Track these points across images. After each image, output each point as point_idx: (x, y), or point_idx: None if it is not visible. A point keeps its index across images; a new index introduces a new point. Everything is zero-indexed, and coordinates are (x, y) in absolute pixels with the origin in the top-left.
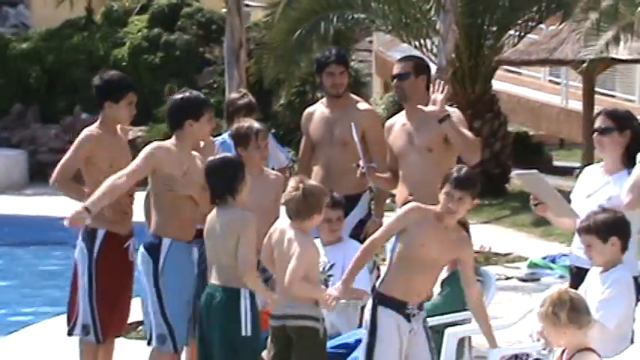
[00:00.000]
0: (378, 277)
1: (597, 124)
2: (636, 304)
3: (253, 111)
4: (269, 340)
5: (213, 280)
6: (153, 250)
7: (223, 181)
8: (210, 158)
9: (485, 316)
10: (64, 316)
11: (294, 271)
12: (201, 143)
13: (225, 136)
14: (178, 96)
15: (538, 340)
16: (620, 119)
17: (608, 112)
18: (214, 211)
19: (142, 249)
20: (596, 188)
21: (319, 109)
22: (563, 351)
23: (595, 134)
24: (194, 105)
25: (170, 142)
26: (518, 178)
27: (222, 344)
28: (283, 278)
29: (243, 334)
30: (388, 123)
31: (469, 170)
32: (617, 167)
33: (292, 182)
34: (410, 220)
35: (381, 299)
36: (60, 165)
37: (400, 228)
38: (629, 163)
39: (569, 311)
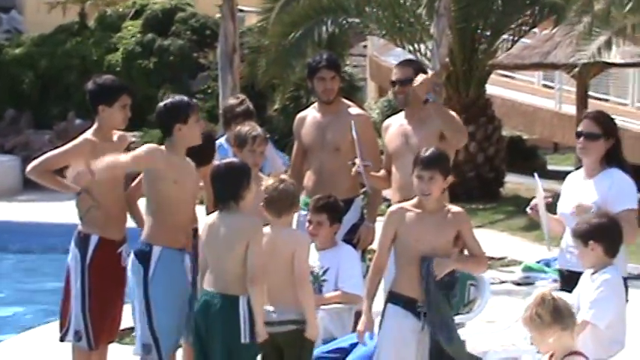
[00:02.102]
0: None
1: (583, 128)
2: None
3: (251, 118)
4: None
5: (209, 286)
6: (143, 257)
7: (228, 186)
8: (216, 163)
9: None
10: (57, 322)
11: (303, 269)
12: None
13: (222, 140)
14: (162, 103)
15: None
16: (606, 125)
17: (596, 116)
18: (215, 216)
19: (132, 256)
20: (578, 193)
21: (311, 114)
22: (551, 356)
23: (580, 138)
24: (179, 108)
25: (164, 149)
26: (536, 178)
27: (222, 352)
28: (273, 284)
29: (243, 341)
30: (385, 123)
31: (434, 149)
32: (596, 171)
33: (270, 180)
34: (395, 223)
35: (391, 297)
36: (43, 158)
37: (391, 236)
38: (606, 166)
39: (552, 311)
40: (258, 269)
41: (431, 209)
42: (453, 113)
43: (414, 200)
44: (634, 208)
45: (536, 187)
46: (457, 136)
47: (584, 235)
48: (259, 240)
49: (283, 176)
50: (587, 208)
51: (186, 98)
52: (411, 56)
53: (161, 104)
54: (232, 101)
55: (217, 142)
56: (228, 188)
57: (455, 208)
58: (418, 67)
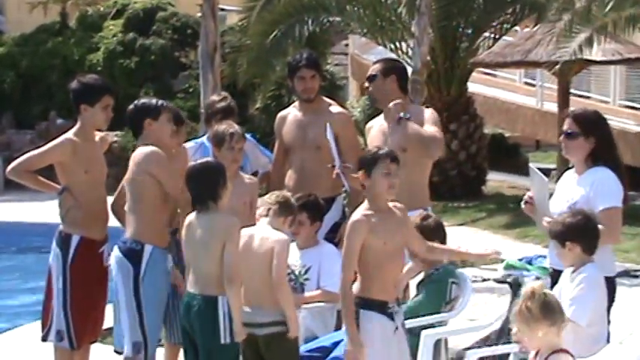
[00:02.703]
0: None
1: (564, 126)
2: (611, 305)
3: (231, 114)
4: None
5: (191, 287)
6: (133, 256)
7: (205, 186)
8: (192, 163)
9: (442, 251)
10: (39, 322)
11: (281, 269)
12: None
13: (204, 139)
14: (133, 103)
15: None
16: (586, 124)
17: (575, 115)
18: (193, 216)
19: (118, 254)
20: (566, 191)
21: (292, 113)
22: (537, 353)
23: (561, 137)
24: (151, 105)
25: (137, 149)
26: (530, 172)
27: (203, 353)
28: (250, 284)
29: (222, 342)
30: (368, 125)
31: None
32: (582, 169)
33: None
34: (364, 232)
35: (362, 303)
36: (24, 158)
37: (360, 246)
38: (593, 164)
39: (541, 305)
40: (235, 269)
41: (386, 208)
42: (430, 117)
43: (367, 205)
44: (616, 207)
45: (533, 179)
46: (428, 152)
47: (560, 236)
48: (235, 239)
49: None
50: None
51: (160, 100)
52: (392, 54)
53: (133, 103)
54: (214, 98)
55: (199, 140)
56: (205, 188)
57: (401, 206)
58: (386, 63)
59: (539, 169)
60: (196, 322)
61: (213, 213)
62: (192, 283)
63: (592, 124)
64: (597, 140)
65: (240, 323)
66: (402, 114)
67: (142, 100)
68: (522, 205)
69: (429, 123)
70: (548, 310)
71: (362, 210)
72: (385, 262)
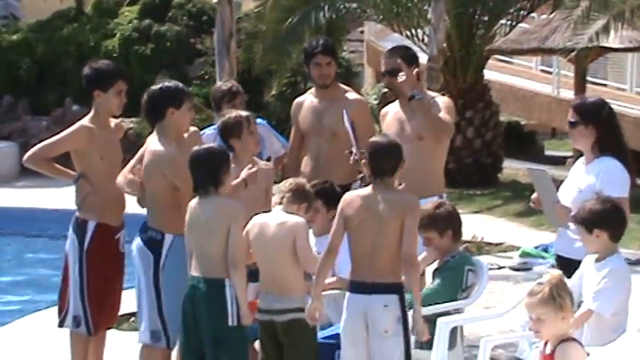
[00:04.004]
0: None
1: (568, 117)
2: None
3: (236, 95)
4: (260, 332)
5: (195, 272)
6: (154, 245)
7: (207, 171)
8: (195, 148)
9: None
10: (55, 308)
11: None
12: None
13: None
14: (156, 87)
15: (530, 330)
16: (584, 113)
17: (575, 105)
18: (195, 201)
19: (139, 243)
20: (575, 180)
21: (308, 99)
22: (545, 343)
23: (567, 127)
24: (174, 93)
25: (154, 140)
26: (529, 172)
27: (210, 336)
28: (269, 272)
29: (230, 324)
30: (383, 111)
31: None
32: (590, 158)
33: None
34: (348, 211)
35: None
36: (40, 147)
37: (343, 222)
38: (600, 153)
39: (568, 293)
40: (240, 252)
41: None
42: (444, 104)
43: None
44: (622, 197)
45: (533, 179)
46: (440, 136)
47: (589, 223)
48: (240, 223)
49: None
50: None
51: (181, 85)
52: (408, 42)
53: (155, 87)
54: (218, 84)
55: (215, 128)
56: (207, 173)
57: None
58: (404, 54)
59: (553, 157)
60: (202, 305)
61: (215, 197)
62: (196, 268)
63: (590, 113)
64: (598, 128)
65: (246, 306)
66: (414, 93)
67: (165, 85)
68: (531, 204)
69: (442, 111)
70: (572, 298)
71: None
72: (372, 242)
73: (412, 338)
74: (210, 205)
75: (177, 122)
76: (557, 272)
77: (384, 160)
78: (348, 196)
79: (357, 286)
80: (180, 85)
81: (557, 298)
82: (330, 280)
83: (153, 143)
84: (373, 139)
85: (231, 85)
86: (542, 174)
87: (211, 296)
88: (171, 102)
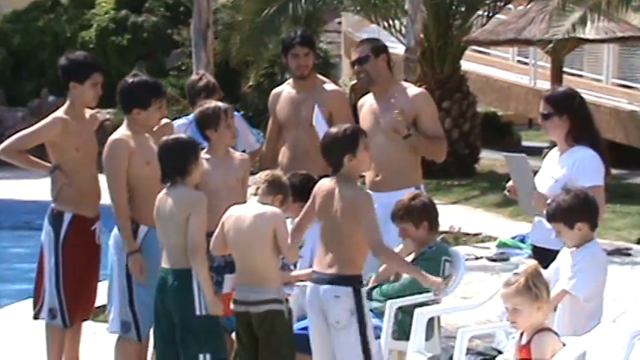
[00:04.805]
0: None
1: (540, 109)
2: None
3: (214, 91)
4: (235, 323)
5: (164, 263)
6: None
7: (175, 161)
8: (164, 138)
9: (395, 261)
10: (30, 300)
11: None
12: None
13: (193, 116)
14: (127, 82)
15: (507, 320)
16: (557, 104)
17: (547, 97)
18: (163, 192)
19: (116, 232)
20: (551, 169)
21: (286, 90)
22: (522, 334)
23: (539, 119)
24: (142, 93)
25: (121, 131)
26: (506, 159)
27: (180, 326)
28: (245, 262)
29: (198, 313)
30: (359, 102)
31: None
32: (564, 148)
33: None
34: (318, 199)
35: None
36: (14, 139)
37: (313, 206)
38: (573, 143)
39: (544, 283)
40: (198, 241)
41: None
42: (430, 114)
43: (356, 181)
44: (598, 185)
45: (510, 165)
46: (433, 158)
47: (570, 218)
48: (200, 213)
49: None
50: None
51: (152, 83)
52: (385, 33)
53: (127, 80)
54: (193, 78)
55: (190, 117)
56: (174, 163)
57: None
58: (374, 43)
59: (530, 147)
60: (171, 297)
61: (180, 188)
62: (165, 259)
63: (563, 103)
64: (571, 118)
65: (211, 295)
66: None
67: (135, 81)
68: (506, 193)
69: (428, 120)
70: (548, 289)
71: (354, 186)
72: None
73: (387, 330)
74: (174, 196)
75: (144, 120)
76: (533, 262)
77: (329, 153)
78: (321, 184)
79: (315, 277)
80: (152, 83)
81: (533, 288)
82: (305, 271)
83: (114, 133)
84: (329, 130)
85: (208, 82)
86: (520, 160)
87: (178, 287)
88: (137, 103)
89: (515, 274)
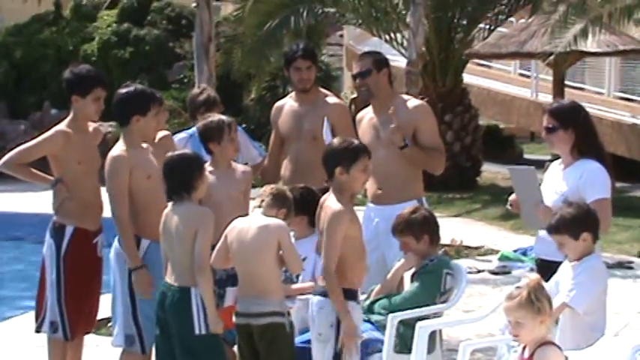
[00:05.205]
0: None
1: (544, 122)
2: None
3: (214, 105)
4: (237, 337)
5: (168, 278)
6: None
7: (180, 177)
8: (169, 154)
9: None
10: (32, 313)
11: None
12: (160, 134)
13: (194, 130)
14: (123, 91)
15: (509, 334)
16: (563, 118)
17: (552, 110)
18: (169, 207)
19: (117, 245)
20: (553, 183)
21: (288, 103)
22: (524, 347)
23: (543, 133)
24: (140, 99)
25: (120, 146)
26: (510, 172)
27: (179, 344)
28: (248, 275)
29: (197, 332)
30: (359, 116)
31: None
32: (569, 161)
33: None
34: (345, 224)
35: (347, 294)
36: (17, 152)
37: (342, 235)
38: (579, 156)
39: (547, 296)
40: (206, 258)
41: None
42: (429, 127)
43: (347, 198)
44: (606, 198)
45: (515, 178)
46: (430, 171)
47: (575, 229)
48: (208, 229)
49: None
50: None
51: (149, 90)
52: (387, 46)
53: (122, 90)
54: (195, 91)
55: (190, 131)
56: (180, 179)
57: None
58: (377, 57)
59: (532, 160)
60: (170, 313)
61: (186, 204)
62: (169, 274)
63: (568, 116)
64: (577, 131)
65: (214, 313)
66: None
67: (131, 90)
68: (508, 207)
69: (427, 132)
70: (550, 302)
71: (338, 201)
72: (364, 253)
73: (389, 344)
74: (180, 212)
75: (143, 129)
76: (536, 276)
77: (325, 161)
78: (321, 201)
79: (314, 290)
80: (149, 90)
81: (536, 302)
82: (308, 284)
83: (113, 149)
84: (329, 142)
85: (208, 96)
86: (527, 172)
87: (177, 304)
88: (136, 109)
89: (518, 287)
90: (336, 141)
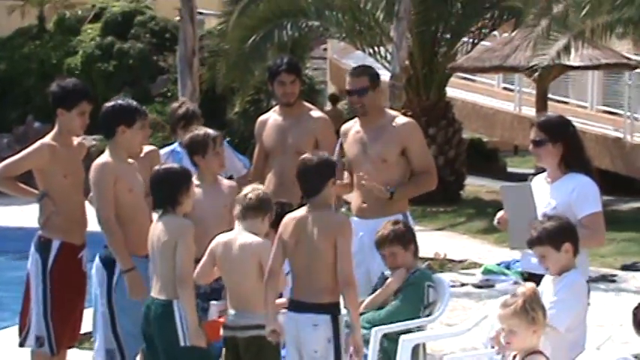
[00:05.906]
0: None
1: (531, 136)
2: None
3: (193, 119)
4: (224, 350)
5: (153, 292)
6: (109, 263)
7: (166, 191)
8: (156, 167)
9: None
10: (16, 327)
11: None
12: (146, 148)
13: (176, 145)
14: (109, 104)
15: (492, 347)
16: (552, 131)
17: (540, 123)
18: (155, 221)
19: (97, 261)
20: (542, 197)
21: (272, 117)
22: (515, 357)
23: (530, 146)
24: (127, 111)
25: (106, 156)
26: (501, 190)
27: (165, 357)
28: (234, 289)
29: (182, 344)
30: (344, 128)
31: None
32: (557, 175)
33: (248, 188)
34: (285, 235)
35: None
36: (2, 165)
37: (282, 245)
38: (567, 170)
39: (541, 306)
40: (187, 270)
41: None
42: (419, 147)
43: (327, 200)
44: (600, 211)
45: (506, 196)
46: (428, 190)
47: (557, 240)
48: (186, 240)
49: (259, 186)
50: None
51: (134, 103)
52: (370, 60)
53: (109, 104)
54: (174, 105)
55: (171, 147)
56: (166, 193)
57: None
58: (373, 74)
59: (516, 174)
60: (155, 326)
61: (170, 217)
62: (154, 288)
63: (557, 130)
64: (565, 144)
65: (195, 326)
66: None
67: (118, 103)
68: (496, 225)
69: (417, 150)
70: (544, 313)
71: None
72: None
73: (372, 358)
74: (164, 225)
75: (129, 141)
76: (531, 285)
77: (309, 180)
78: (285, 219)
79: (292, 305)
80: (135, 103)
81: (531, 311)
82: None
83: (98, 158)
84: (302, 157)
85: (187, 110)
86: (523, 189)
87: (161, 317)
88: (122, 120)
89: (514, 295)
90: (309, 158)
